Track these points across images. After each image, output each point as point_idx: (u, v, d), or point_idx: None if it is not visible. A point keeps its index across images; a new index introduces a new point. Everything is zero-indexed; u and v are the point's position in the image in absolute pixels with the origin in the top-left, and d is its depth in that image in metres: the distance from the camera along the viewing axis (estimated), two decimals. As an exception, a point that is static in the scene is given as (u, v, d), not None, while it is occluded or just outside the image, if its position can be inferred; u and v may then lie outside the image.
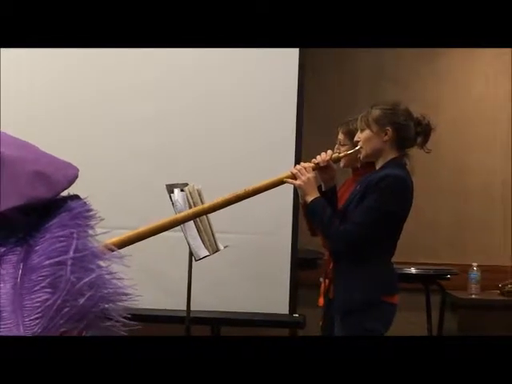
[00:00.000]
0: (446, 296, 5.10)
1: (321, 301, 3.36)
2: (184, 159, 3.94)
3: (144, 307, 3.47)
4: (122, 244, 1.90)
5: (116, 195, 3.89)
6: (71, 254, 0.96)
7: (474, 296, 5.14)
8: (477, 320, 5.25)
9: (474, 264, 5.18)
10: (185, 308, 3.37)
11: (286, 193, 3.68)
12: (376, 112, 2.98)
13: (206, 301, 3.77)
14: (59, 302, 0.95)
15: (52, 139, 3.58)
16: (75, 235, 0.98)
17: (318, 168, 3.02)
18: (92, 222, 1.04)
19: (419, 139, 3.03)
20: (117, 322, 1.02)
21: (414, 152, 3.06)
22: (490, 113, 5.55)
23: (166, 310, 3.81)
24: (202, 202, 3.20)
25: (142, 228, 2.15)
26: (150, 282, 3.78)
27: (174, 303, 3.69)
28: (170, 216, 2.62)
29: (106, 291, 1.00)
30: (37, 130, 3.73)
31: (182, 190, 3.22)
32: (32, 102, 3.97)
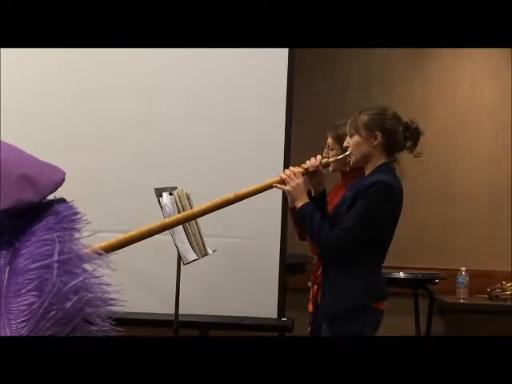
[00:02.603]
0: (434, 300, 5.10)
1: (310, 306, 3.36)
2: (173, 163, 3.93)
3: (132, 311, 3.48)
4: (111, 248, 1.89)
5: (105, 199, 3.88)
6: (56, 257, 0.96)
7: (462, 300, 5.15)
8: (465, 324, 5.26)
9: (463, 268, 5.19)
10: (173, 312, 3.36)
11: (274, 197, 3.68)
12: (365, 117, 2.98)
13: (195, 304, 3.77)
14: (45, 305, 0.95)
15: (40, 141, 3.57)
16: (59, 238, 0.98)
17: (307, 173, 3.02)
18: (78, 225, 1.04)
19: (408, 143, 3.03)
20: (102, 326, 1.02)
21: (401, 156, 3.06)
22: (477, 116, 5.58)
23: (154, 313, 3.80)
24: (191, 206, 3.20)
25: (131, 232, 2.14)
26: (139, 285, 3.77)
27: (163, 307, 3.69)
28: (158, 220, 2.62)
29: (92, 295, 1.00)
30: (25, 131, 3.72)
31: (170, 194, 3.21)
32: (20, 104, 3.95)
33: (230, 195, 2.76)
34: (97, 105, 3.99)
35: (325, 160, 3.10)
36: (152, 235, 2.29)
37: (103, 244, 1.77)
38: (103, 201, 3.86)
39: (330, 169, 3.27)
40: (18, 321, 0.95)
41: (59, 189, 1.11)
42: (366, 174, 3.00)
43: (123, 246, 2.01)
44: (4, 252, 0.99)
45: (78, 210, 1.06)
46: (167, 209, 3.15)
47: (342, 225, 2.88)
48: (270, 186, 2.95)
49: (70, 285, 0.96)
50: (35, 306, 0.95)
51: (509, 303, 5.12)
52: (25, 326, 0.95)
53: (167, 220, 2.70)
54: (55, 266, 0.95)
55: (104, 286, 1.01)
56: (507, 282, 5.21)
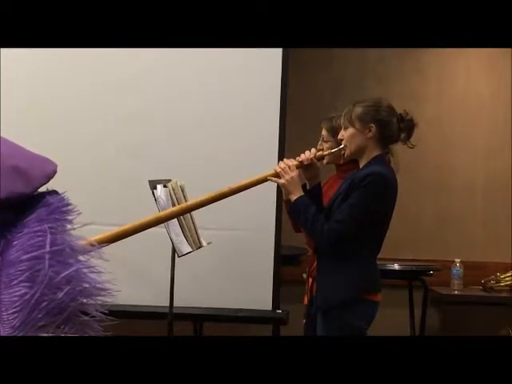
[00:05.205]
0: (429, 292, 5.12)
1: (306, 299, 3.36)
2: (167, 156, 3.93)
3: (127, 303, 3.49)
4: (106, 241, 1.89)
5: (99, 192, 3.89)
6: (48, 248, 0.96)
7: (456, 292, 5.17)
8: (459, 316, 5.29)
9: (457, 260, 5.21)
10: (167, 304, 3.37)
11: (269, 189, 3.68)
12: (359, 109, 2.98)
13: (189, 297, 3.77)
14: (37, 295, 0.95)
15: (35, 135, 3.57)
16: (51, 230, 0.98)
17: (301, 166, 3.02)
18: (70, 217, 1.04)
19: (402, 135, 3.03)
20: (95, 316, 1.02)
21: (396, 148, 3.06)
22: (473, 110, 5.58)
23: (148, 306, 3.81)
24: (185, 198, 3.20)
25: (126, 226, 2.14)
26: (133, 278, 3.78)
27: (157, 299, 3.69)
28: (152, 212, 2.62)
29: (84, 286, 1.00)
30: (20, 125, 3.71)
31: (164, 186, 3.21)
32: (16, 98, 3.94)
33: (225, 189, 2.76)
34: (92, 99, 3.99)
35: (319, 153, 3.10)
36: (147, 228, 2.29)
37: (98, 237, 1.77)
38: (97, 194, 3.86)
39: (325, 161, 3.27)
40: (10, 312, 0.95)
41: (53, 181, 1.11)
42: (361, 166, 3.00)
43: (118, 240, 2.01)
44: (-4, 244, 1.00)
45: (70, 202, 1.06)
46: (161, 201, 3.15)
47: (336, 217, 2.88)
48: (264, 180, 2.95)
49: (62, 275, 0.96)
50: (27, 297, 0.95)
51: (503, 294, 5.14)
52: (16, 316, 0.95)
53: (162, 213, 2.70)
54: (47, 256, 0.96)
55: (96, 277, 1.02)
56: (501, 274, 5.23)
